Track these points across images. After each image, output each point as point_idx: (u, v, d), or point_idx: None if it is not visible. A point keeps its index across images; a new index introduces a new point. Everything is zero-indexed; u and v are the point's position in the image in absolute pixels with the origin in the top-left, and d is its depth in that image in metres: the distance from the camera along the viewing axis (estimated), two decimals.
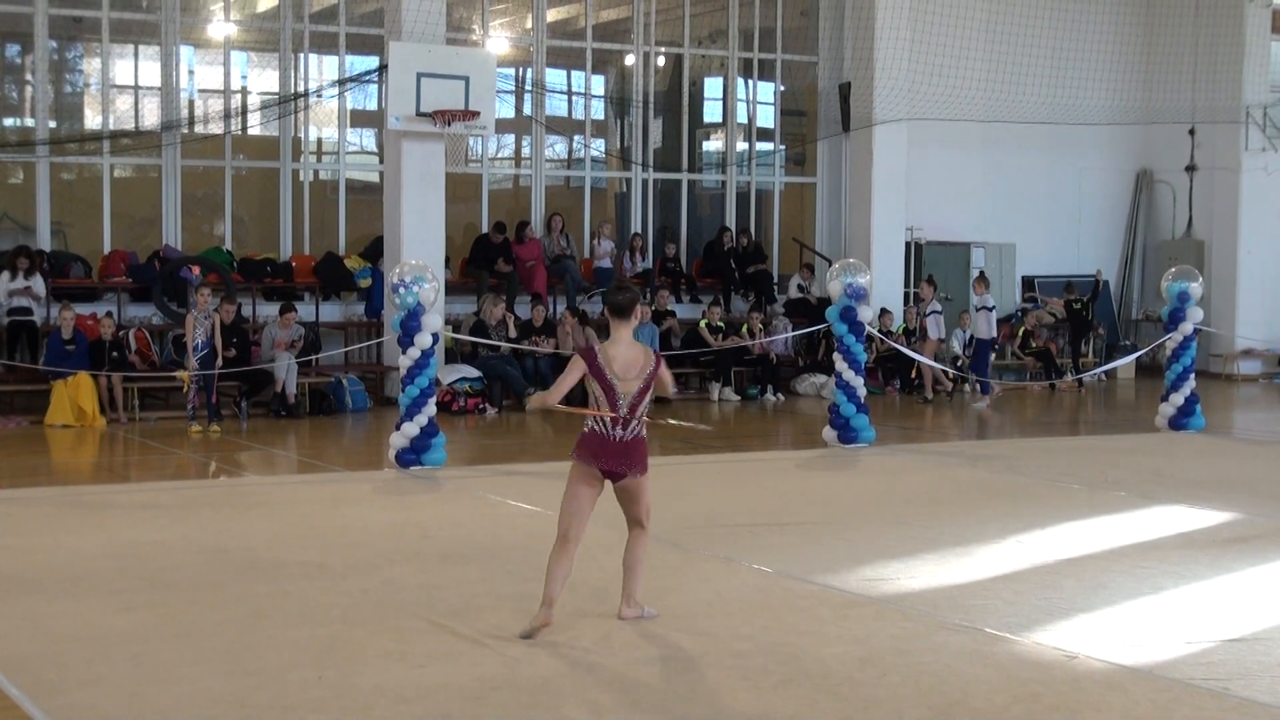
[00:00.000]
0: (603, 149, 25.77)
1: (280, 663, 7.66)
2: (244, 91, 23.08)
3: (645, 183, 24.94)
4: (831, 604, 9.11)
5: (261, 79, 23.37)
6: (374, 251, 22.05)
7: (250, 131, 22.92)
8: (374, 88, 22.80)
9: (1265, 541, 11.32)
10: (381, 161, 22.59)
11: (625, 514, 8.59)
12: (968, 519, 12.16)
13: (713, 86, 26.41)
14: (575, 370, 8.29)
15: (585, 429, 8.40)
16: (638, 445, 8.36)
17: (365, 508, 12.78)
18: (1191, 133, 27.57)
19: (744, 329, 22.73)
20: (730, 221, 25.31)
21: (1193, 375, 18.70)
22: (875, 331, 19.88)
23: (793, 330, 23.07)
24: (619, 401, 8.27)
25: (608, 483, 8.42)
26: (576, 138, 25.19)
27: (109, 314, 19.95)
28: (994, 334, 22.25)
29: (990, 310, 22.14)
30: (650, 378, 8.34)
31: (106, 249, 21.43)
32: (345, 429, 18.78)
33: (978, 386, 22.26)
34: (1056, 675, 7.64)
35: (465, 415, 19.86)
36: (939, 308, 23.13)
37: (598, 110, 25.81)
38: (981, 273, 23.90)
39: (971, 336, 23.26)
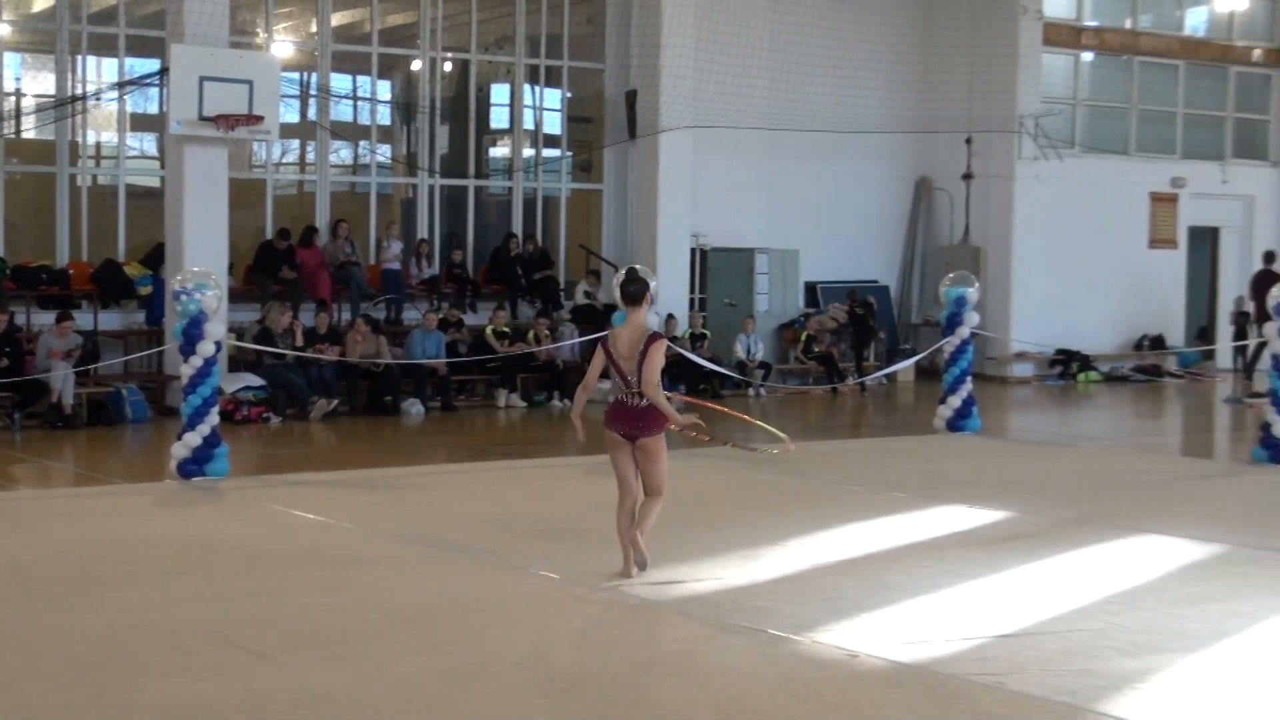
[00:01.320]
0: (389, 155, 25.58)
1: (57, 682, 7.47)
2: (18, 94, 22.43)
3: (432, 189, 24.80)
4: (618, 609, 9.16)
5: (37, 81, 22.72)
6: (155, 258, 21.59)
7: (25, 135, 22.29)
8: (155, 91, 22.33)
9: (1038, 539, 11.65)
10: (163, 166, 22.14)
11: (642, 477, 10.01)
12: (751, 521, 12.31)
13: (499, 93, 26.38)
14: (599, 357, 10.06)
15: (610, 400, 10.15)
16: (649, 411, 9.84)
17: (145, 520, 12.52)
18: (968, 142, 28.19)
19: (530, 335, 22.72)
20: (517, 228, 25.29)
21: (969, 378, 19.15)
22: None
23: (579, 336, 23.13)
24: (627, 376, 9.86)
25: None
26: (362, 143, 24.96)
27: None
28: None
29: None
30: (642, 354, 9.81)
31: None
32: (125, 440, 18.37)
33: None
34: (838, 674, 7.78)
35: (249, 424, 19.55)
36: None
37: (384, 116, 25.59)
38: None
39: (754, 343, 23.50)
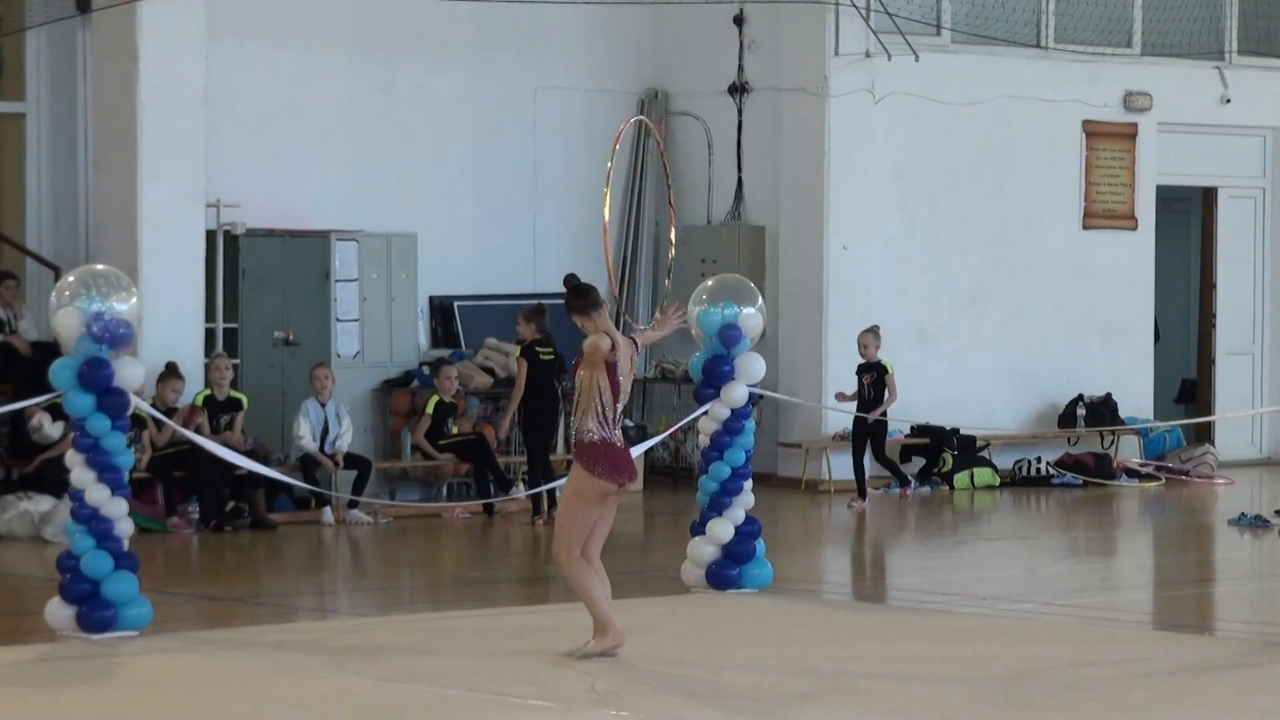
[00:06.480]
0: None
1: None
2: None
3: None
4: None
5: None
6: None
7: None
8: None
9: None
10: None
11: (596, 535, 14.85)
12: None
13: None
14: (603, 372, 14.68)
15: (593, 439, 14.52)
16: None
17: None
18: (738, 22, 28.54)
19: None
20: None
21: (748, 483, 19.18)
22: (150, 409, 19.80)
23: None
24: (620, 399, 14.65)
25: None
26: None
27: None
28: None
29: None
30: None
31: None
32: None
33: None
34: None
35: None
36: None
37: None
38: None
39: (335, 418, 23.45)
